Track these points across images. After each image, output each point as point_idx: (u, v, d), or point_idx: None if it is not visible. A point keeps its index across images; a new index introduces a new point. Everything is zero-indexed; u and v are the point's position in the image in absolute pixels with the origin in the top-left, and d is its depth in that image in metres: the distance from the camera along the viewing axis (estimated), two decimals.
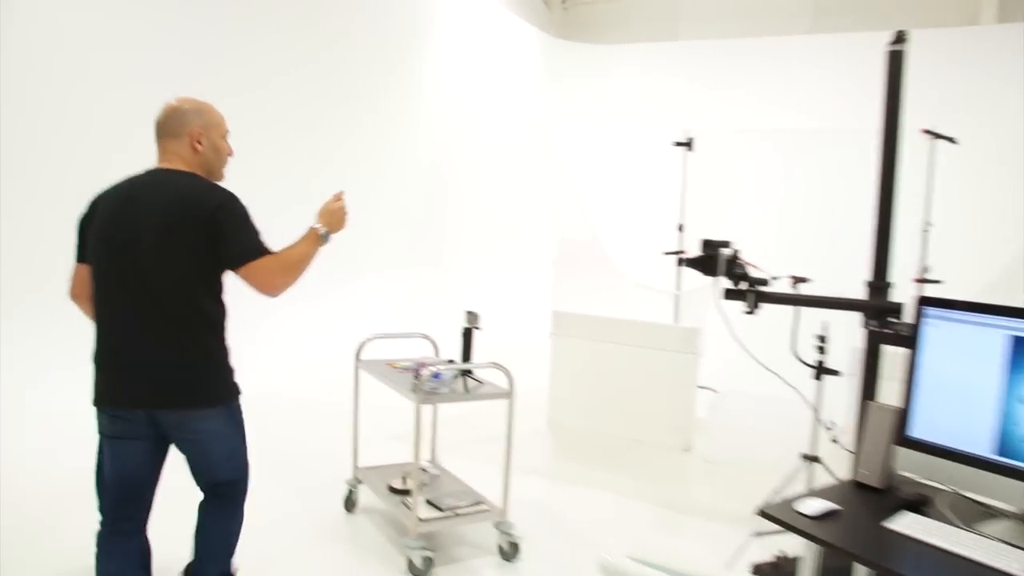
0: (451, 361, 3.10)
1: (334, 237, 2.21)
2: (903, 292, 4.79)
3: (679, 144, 5.25)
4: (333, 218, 2.21)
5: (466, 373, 2.95)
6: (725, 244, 2.93)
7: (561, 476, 4.00)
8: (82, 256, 2.16)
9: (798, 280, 3.22)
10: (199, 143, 2.14)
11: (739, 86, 8.75)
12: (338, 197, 2.26)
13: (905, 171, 4.59)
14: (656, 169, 8.31)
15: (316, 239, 2.16)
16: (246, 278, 2.05)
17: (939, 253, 4.60)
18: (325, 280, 4.00)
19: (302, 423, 4.73)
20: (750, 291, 2.89)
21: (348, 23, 6.07)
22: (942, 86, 7.22)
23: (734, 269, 2.88)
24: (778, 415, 4.31)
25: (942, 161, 4.74)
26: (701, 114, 8.74)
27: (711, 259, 2.90)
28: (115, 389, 2.05)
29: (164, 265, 2.01)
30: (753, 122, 8.25)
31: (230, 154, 2.24)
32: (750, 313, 2.92)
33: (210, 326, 2.10)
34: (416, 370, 2.90)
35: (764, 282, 2.88)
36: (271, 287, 2.08)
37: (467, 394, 2.82)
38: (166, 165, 2.13)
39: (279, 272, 2.07)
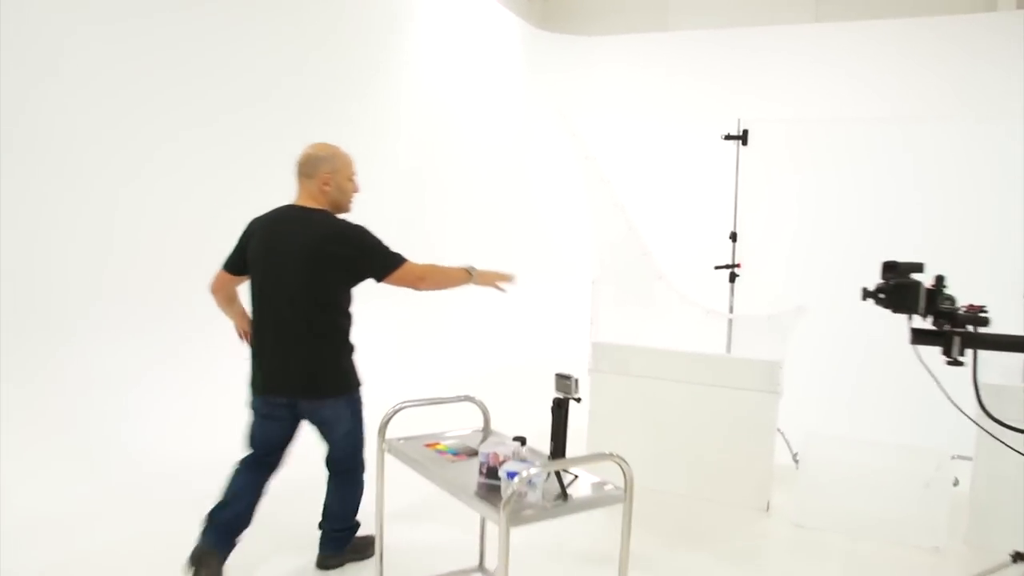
0: (528, 446, 2.16)
1: (475, 288, 2.75)
2: None
3: (730, 138, 4.41)
4: (488, 276, 2.75)
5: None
6: (918, 267, 2.07)
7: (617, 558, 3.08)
8: (229, 264, 2.72)
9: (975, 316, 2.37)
10: (327, 185, 2.62)
11: (738, 78, 8.03)
12: (506, 277, 2.77)
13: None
14: (688, 168, 7.60)
15: (465, 274, 2.70)
16: (394, 282, 2.59)
17: None
18: None
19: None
20: (958, 333, 2.03)
21: (315, 19, 5.07)
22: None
23: (937, 303, 2.02)
24: (882, 466, 3.50)
25: None
26: (703, 108, 8.01)
27: (905, 289, 2.03)
28: (266, 381, 2.61)
29: (305, 286, 2.51)
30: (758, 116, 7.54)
31: (356, 191, 2.74)
32: (954, 363, 2.07)
33: (337, 333, 2.62)
34: (488, 465, 1.96)
35: (982, 320, 2.02)
36: (415, 283, 2.61)
37: (567, 504, 1.90)
38: (302, 202, 2.64)
39: (422, 274, 2.61)
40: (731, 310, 4.44)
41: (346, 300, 2.61)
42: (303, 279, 2.49)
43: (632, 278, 4.06)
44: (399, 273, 2.56)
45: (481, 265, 2.73)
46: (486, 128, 7.67)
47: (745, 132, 4.35)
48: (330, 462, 2.74)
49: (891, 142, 4.10)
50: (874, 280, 4.15)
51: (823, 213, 4.25)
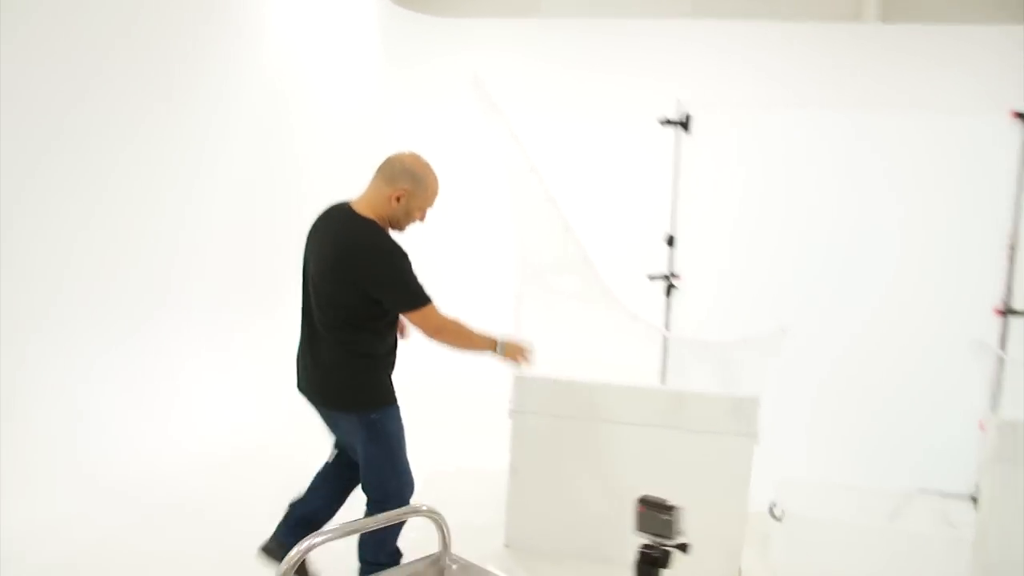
0: None
1: (497, 359, 2.63)
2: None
3: (669, 123, 3.69)
4: (513, 349, 2.64)
5: None
6: None
7: None
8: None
9: None
10: (398, 200, 2.43)
11: (612, 70, 7.50)
12: (528, 353, 2.68)
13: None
14: (608, 163, 6.93)
15: (489, 343, 2.58)
16: (411, 321, 2.48)
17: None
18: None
19: None
20: None
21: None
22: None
23: None
24: (876, 514, 2.91)
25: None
26: (572, 102, 7.39)
27: None
28: (299, 381, 2.63)
29: (330, 292, 2.43)
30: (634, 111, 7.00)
31: (419, 221, 2.54)
32: None
33: (357, 345, 2.47)
34: None
35: None
36: (431, 333, 2.48)
37: None
38: (357, 204, 2.46)
39: (440, 326, 2.47)
40: (666, 328, 3.72)
41: (372, 313, 2.44)
42: (330, 284, 2.42)
43: (567, 290, 3.22)
44: (416, 317, 2.45)
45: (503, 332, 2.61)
46: (337, 113, 6.54)
47: (687, 117, 3.66)
48: (363, 485, 2.61)
49: (850, 133, 3.55)
50: (837, 291, 3.61)
51: (775, 214, 3.64)
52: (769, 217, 3.66)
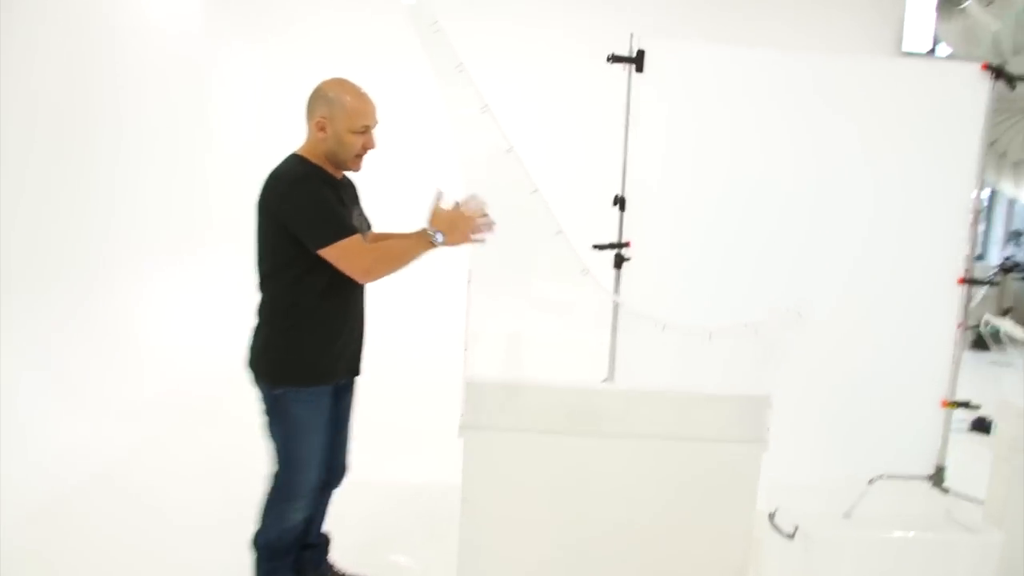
0: None
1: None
2: None
3: (618, 60, 3.02)
4: (453, 228, 2.17)
5: None
6: None
7: None
8: None
9: None
10: (321, 130, 2.19)
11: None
12: (478, 222, 2.21)
13: None
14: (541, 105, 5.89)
15: (425, 242, 2.16)
16: (330, 261, 2.11)
17: None
18: None
19: None
20: None
21: None
22: None
23: None
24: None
25: None
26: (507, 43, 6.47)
27: None
28: None
29: (257, 240, 2.20)
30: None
31: (367, 148, 2.24)
32: None
33: (273, 304, 2.23)
34: None
35: None
36: (356, 273, 2.16)
37: None
38: (298, 148, 2.25)
39: (367, 267, 2.16)
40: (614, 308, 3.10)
41: (291, 258, 2.13)
42: (258, 236, 2.20)
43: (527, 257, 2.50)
44: (333, 254, 2.10)
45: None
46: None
47: (640, 54, 3.01)
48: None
49: (809, 81, 3.11)
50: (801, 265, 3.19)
51: (734, 174, 3.13)
52: (727, 178, 3.14)
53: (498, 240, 2.36)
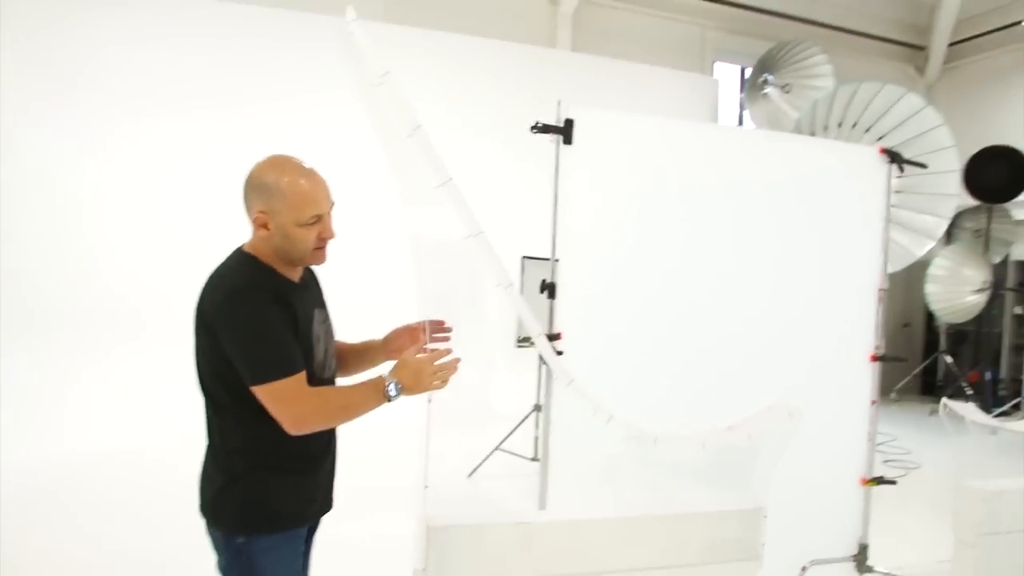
0: None
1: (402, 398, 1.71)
2: None
3: (546, 130, 2.72)
4: (417, 379, 1.73)
5: None
6: None
7: None
8: None
9: None
10: (263, 227, 1.68)
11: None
12: (444, 365, 1.76)
13: None
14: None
15: (379, 397, 1.70)
16: (260, 400, 1.62)
17: None
18: None
19: None
20: None
21: None
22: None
23: None
24: None
25: None
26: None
27: None
28: None
29: (203, 363, 1.71)
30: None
31: (325, 238, 1.73)
32: None
33: (228, 445, 1.72)
34: None
35: None
36: (284, 420, 1.64)
37: None
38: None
39: (303, 406, 1.66)
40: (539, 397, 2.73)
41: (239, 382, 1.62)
42: (198, 349, 1.71)
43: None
44: (263, 395, 1.62)
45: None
46: None
47: (568, 123, 2.74)
48: None
49: (730, 155, 3.03)
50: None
51: (658, 253, 2.94)
52: (656, 258, 2.94)
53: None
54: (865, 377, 3.21)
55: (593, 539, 2.02)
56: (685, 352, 2.99)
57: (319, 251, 1.75)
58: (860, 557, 3.24)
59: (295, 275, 1.79)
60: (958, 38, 8.70)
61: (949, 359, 8.68)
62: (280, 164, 1.69)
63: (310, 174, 1.70)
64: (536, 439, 5.26)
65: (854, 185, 3.19)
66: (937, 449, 6.15)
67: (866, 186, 3.18)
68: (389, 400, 1.72)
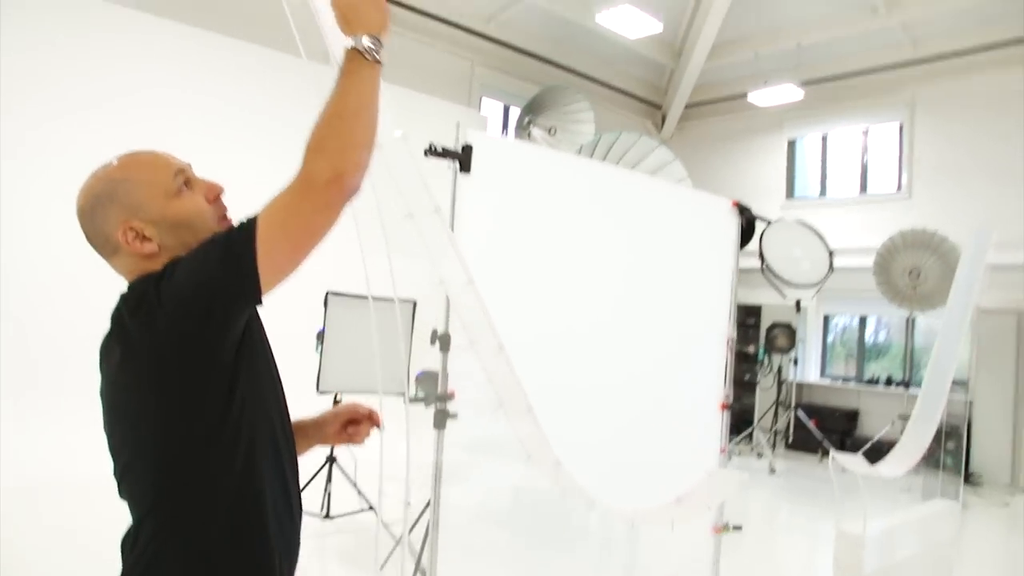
0: None
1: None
2: None
3: (445, 154, 2.30)
4: (360, 12, 1.16)
5: None
6: None
7: None
8: None
9: None
10: (145, 241, 1.24)
11: None
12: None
13: None
14: None
15: (359, 60, 1.14)
16: (272, 263, 1.10)
17: None
18: None
19: None
20: None
21: None
22: None
23: None
24: None
25: None
26: None
27: None
28: None
29: (121, 444, 1.22)
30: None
31: (213, 192, 1.30)
32: None
33: (174, 543, 1.18)
34: None
35: None
36: (329, 174, 1.08)
37: None
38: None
39: (324, 156, 1.09)
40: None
41: (201, 446, 1.16)
42: (111, 428, 1.23)
43: None
44: (274, 217, 1.11)
45: None
46: None
47: (466, 149, 2.36)
48: None
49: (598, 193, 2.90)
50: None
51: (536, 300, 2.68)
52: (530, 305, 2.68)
53: None
54: (715, 425, 3.25)
55: None
56: (564, 393, 2.76)
57: (222, 218, 1.30)
58: None
59: None
60: (693, 101, 9.75)
61: None
62: (98, 171, 1.30)
63: (133, 151, 1.31)
64: (328, 495, 4.68)
65: (709, 234, 3.23)
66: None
67: (718, 235, 3.24)
68: (377, 61, 1.17)
